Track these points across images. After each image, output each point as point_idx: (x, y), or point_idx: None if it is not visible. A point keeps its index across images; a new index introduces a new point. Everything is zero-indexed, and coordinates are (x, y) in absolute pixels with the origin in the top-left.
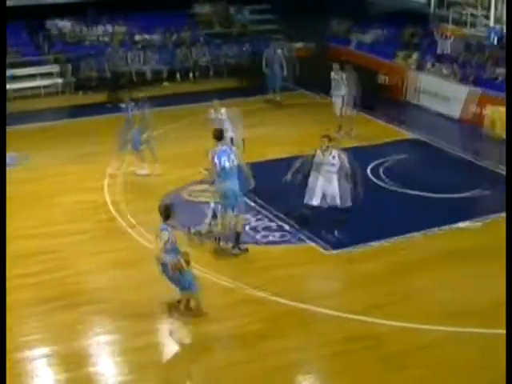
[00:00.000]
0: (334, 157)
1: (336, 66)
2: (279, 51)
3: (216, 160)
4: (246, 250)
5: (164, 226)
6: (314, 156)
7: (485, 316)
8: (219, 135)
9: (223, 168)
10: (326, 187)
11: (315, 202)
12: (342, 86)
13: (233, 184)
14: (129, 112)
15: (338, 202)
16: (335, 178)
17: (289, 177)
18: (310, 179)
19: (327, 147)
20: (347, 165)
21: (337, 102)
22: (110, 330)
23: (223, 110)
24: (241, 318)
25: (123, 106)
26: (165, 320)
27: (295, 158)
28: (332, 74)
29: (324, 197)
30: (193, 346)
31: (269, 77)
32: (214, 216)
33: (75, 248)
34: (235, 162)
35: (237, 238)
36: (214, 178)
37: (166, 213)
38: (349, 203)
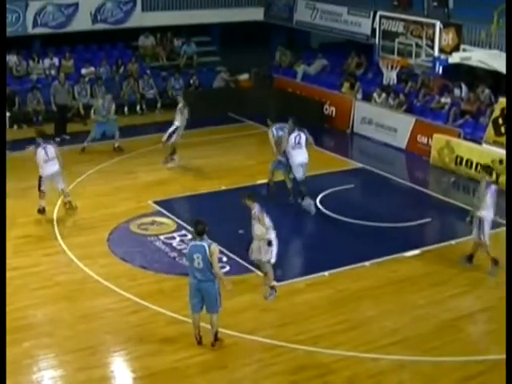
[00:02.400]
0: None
1: (180, 98)
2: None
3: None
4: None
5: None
6: None
7: (430, 343)
8: None
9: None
10: None
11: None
12: (179, 117)
13: None
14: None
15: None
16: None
17: None
18: None
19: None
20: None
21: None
22: (55, 364)
23: None
24: (187, 349)
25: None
26: (107, 354)
27: (241, 189)
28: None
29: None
30: (138, 379)
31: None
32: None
33: (17, 282)
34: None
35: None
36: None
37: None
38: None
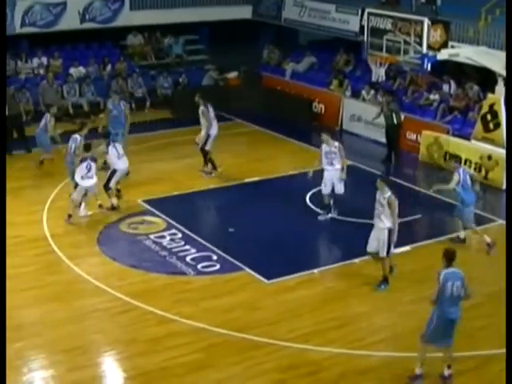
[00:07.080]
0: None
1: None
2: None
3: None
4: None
5: None
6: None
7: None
8: None
9: None
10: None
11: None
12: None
13: None
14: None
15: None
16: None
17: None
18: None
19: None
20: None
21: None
22: (46, 365)
23: (336, 144)
24: (178, 348)
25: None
26: (97, 354)
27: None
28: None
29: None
30: (128, 379)
31: None
32: None
33: (8, 283)
34: None
35: None
36: None
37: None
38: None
